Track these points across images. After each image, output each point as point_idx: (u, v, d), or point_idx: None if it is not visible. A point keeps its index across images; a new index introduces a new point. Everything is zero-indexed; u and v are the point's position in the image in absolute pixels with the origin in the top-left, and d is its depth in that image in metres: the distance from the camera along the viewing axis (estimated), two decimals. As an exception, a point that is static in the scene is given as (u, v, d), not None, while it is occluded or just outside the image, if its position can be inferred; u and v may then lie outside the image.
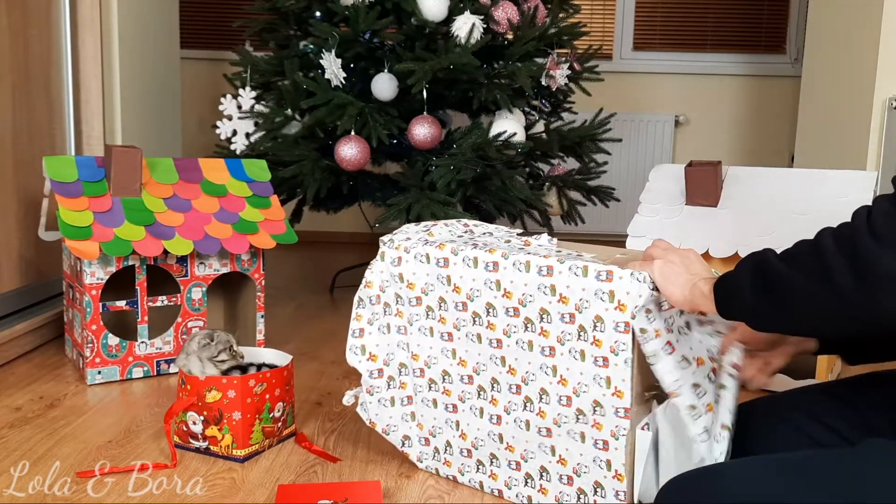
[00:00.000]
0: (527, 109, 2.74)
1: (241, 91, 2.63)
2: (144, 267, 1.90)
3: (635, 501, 1.13)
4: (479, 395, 1.28)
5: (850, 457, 0.91)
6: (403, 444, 1.40)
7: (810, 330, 0.94)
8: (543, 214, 2.80)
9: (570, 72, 2.63)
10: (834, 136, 2.89)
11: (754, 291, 0.92)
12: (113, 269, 1.86)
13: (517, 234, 1.39)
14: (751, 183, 1.97)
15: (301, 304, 2.77)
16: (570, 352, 1.16)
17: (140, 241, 1.84)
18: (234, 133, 2.63)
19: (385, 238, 1.39)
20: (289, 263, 3.59)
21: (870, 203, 0.84)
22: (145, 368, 1.92)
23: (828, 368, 1.88)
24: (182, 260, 1.95)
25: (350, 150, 2.39)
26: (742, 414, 1.23)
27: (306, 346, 2.24)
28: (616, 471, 1.15)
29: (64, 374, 1.92)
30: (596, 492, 1.17)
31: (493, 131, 2.48)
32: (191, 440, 1.48)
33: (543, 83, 2.55)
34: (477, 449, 1.30)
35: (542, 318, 1.18)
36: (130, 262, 1.88)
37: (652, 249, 1.13)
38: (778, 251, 0.93)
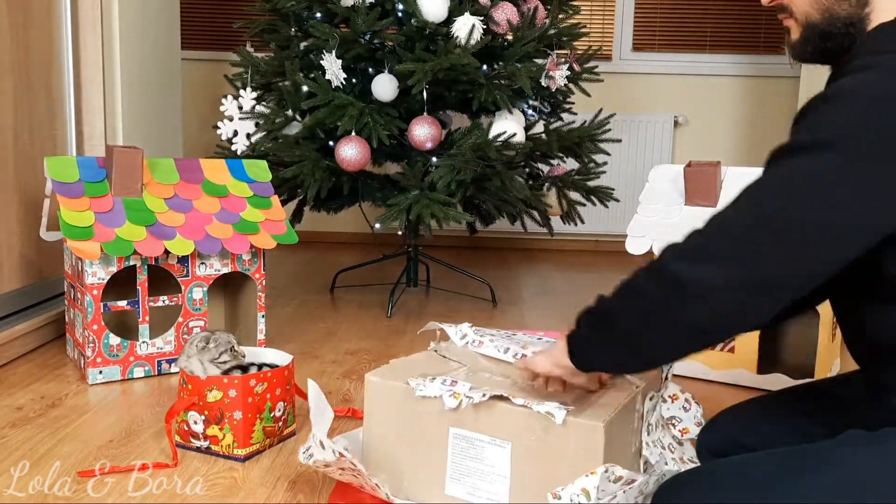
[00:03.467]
0: (526, 110, 2.74)
1: (241, 92, 2.64)
2: (145, 267, 1.91)
3: None
4: None
5: (830, 447, 0.92)
6: None
7: (662, 359, 0.99)
8: (543, 215, 2.81)
9: (569, 72, 2.63)
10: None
11: (600, 335, 0.99)
12: (114, 269, 1.86)
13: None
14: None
15: (301, 304, 2.78)
16: None
17: (141, 241, 1.85)
18: (235, 133, 2.63)
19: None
20: (289, 263, 3.60)
21: None
22: (146, 368, 1.92)
23: (826, 368, 1.89)
24: (183, 260, 1.96)
25: (350, 151, 2.40)
26: (741, 413, 1.24)
27: (307, 346, 2.24)
28: None
29: (65, 374, 1.93)
30: None
31: (493, 132, 2.48)
32: (192, 440, 1.48)
33: (543, 84, 2.55)
34: None
35: None
36: (131, 262, 1.88)
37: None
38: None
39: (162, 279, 2.00)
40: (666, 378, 1.33)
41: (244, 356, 1.57)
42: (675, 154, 4.18)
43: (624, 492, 1.02)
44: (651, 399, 1.24)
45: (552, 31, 2.58)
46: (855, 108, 0.84)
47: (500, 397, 1.13)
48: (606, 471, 1.01)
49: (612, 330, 0.96)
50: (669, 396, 1.35)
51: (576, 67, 2.67)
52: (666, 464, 1.18)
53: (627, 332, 0.94)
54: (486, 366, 1.29)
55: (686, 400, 1.34)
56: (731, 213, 0.89)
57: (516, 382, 1.21)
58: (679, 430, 1.33)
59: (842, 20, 0.96)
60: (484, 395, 1.13)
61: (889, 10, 0.95)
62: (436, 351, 1.37)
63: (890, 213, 0.84)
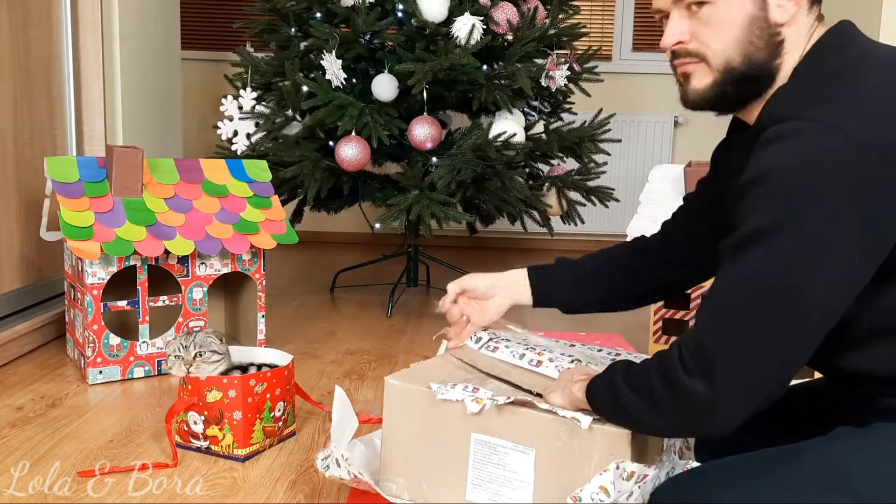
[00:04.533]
0: (526, 110, 2.74)
1: (241, 92, 2.64)
2: (145, 267, 1.91)
3: None
4: None
5: (823, 444, 0.93)
6: None
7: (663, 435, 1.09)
8: (543, 215, 2.81)
9: (569, 72, 2.63)
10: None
11: (612, 413, 1.04)
12: (114, 269, 1.86)
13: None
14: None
15: (301, 304, 2.78)
16: None
17: (141, 241, 1.85)
18: (235, 133, 2.63)
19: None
20: (289, 263, 3.60)
21: None
22: (146, 368, 1.92)
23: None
24: (183, 260, 1.96)
25: (350, 151, 2.40)
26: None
27: (307, 346, 2.24)
28: None
29: (65, 374, 1.93)
30: None
31: (493, 132, 2.48)
32: (192, 440, 1.48)
33: (543, 84, 2.55)
34: None
35: None
36: (132, 262, 1.88)
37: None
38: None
39: (162, 279, 2.00)
40: None
41: (222, 354, 1.56)
42: (675, 154, 4.17)
43: (640, 488, 1.02)
44: None
45: (552, 31, 2.58)
46: (782, 183, 0.86)
47: (524, 402, 1.12)
48: (618, 467, 1.01)
49: (626, 416, 1.02)
50: None
51: (576, 67, 2.67)
52: (674, 468, 1.18)
53: (638, 420, 1.01)
54: (504, 369, 1.28)
55: None
56: (722, 320, 0.91)
57: (533, 387, 1.20)
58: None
59: (759, 66, 0.96)
60: (508, 398, 1.12)
61: (791, 63, 0.97)
62: (453, 356, 1.36)
63: (864, 260, 0.87)
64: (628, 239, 1.83)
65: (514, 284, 1.34)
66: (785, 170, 0.86)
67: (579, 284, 1.32)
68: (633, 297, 1.33)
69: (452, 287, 1.34)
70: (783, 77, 0.97)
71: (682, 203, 1.31)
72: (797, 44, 0.97)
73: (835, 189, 0.85)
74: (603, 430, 1.06)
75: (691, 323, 2.02)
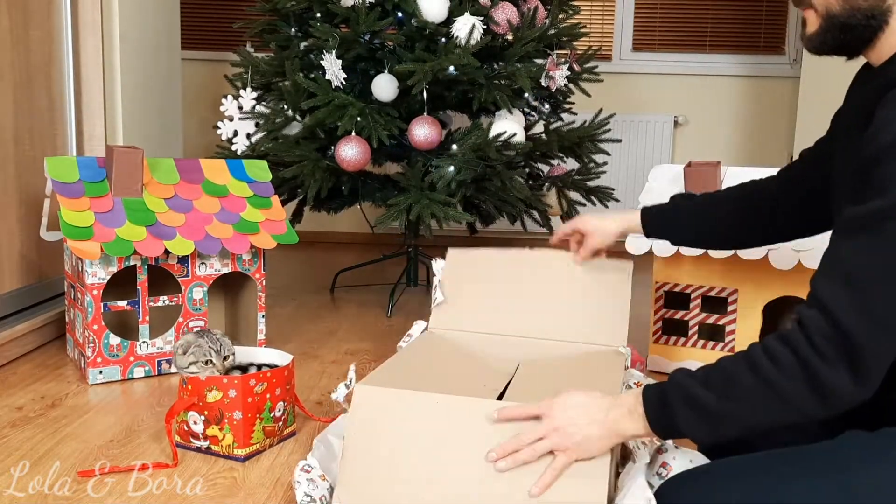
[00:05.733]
0: (526, 110, 2.74)
1: (241, 92, 2.64)
2: (145, 267, 1.91)
3: None
4: None
5: (831, 448, 0.93)
6: None
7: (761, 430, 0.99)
8: (543, 215, 2.81)
9: (569, 72, 2.63)
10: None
11: (697, 430, 0.95)
12: (114, 269, 1.86)
13: None
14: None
15: (301, 304, 2.78)
16: None
17: (141, 241, 1.85)
18: (235, 134, 2.63)
19: None
20: (289, 263, 3.60)
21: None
22: (146, 368, 1.92)
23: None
24: (183, 260, 1.96)
25: (350, 151, 2.40)
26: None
27: (307, 346, 2.24)
28: None
29: (65, 374, 1.93)
30: None
31: (493, 132, 2.48)
32: (192, 440, 1.48)
33: (543, 84, 2.55)
34: None
35: None
36: (132, 262, 1.88)
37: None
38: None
39: (162, 279, 2.00)
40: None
41: (227, 358, 1.54)
42: (675, 154, 4.17)
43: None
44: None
45: (552, 31, 2.58)
46: None
47: None
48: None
49: (716, 414, 0.93)
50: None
51: (576, 67, 2.67)
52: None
53: (750, 424, 0.93)
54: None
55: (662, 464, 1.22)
56: (867, 303, 0.85)
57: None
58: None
59: (862, 12, 0.96)
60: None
61: None
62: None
63: None
64: (628, 238, 1.84)
65: (626, 214, 1.46)
66: None
67: (689, 222, 1.40)
68: (737, 241, 1.41)
69: (565, 227, 1.49)
70: None
71: (798, 157, 1.31)
72: None
73: None
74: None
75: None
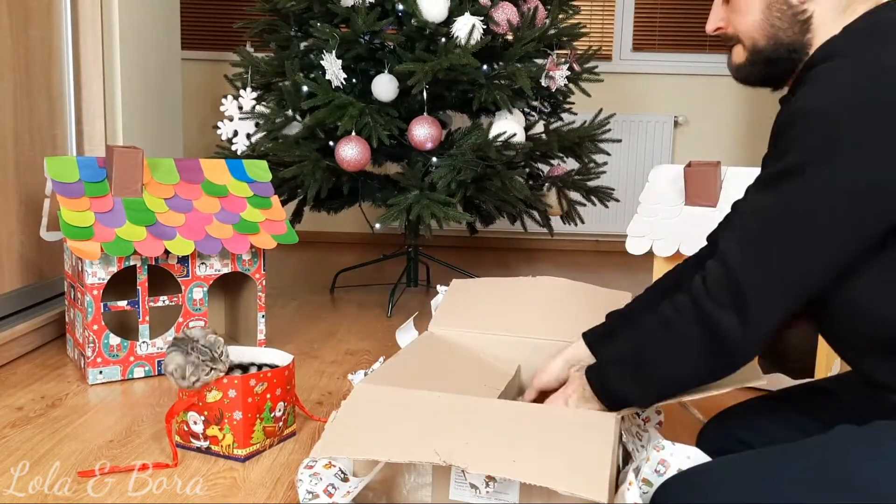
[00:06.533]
0: (526, 110, 2.74)
1: (241, 92, 2.64)
2: (145, 267, 1.91)
3: None
4: None
5: (825, 442, 0.94)
6: None
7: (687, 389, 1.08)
8: (543, 215, 2.81)
9: (569, 72, 2.63)
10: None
11: (630, 388, 1.07)
12: (114, 269, 1.86)
13: None
14: (750, 183, 1.97)
15: (301, 304, 2.78)
16: None
17: (141, 241, 1.85)
18: (235, 134, 2.63)
19: None
20: (289, 263, 3.60)
21: None
22: (146, 368, 1.92)
23: (826, 368, 1.89)
24: (183, 260, 1.96)
25: (350, 151, 2.40)
26: (741, 412, 1.25)
27: (307, 346, 2.24)
28: None
29: (65, 374, 1.93)
30: None
31: (493, 132, 2.48)
32: (192, 440, 1.48)
33: (543, 84, 2.55)
34: None
35: None
36: (132, 263, 1.88)
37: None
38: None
39: (162, 279, 2.00)
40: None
41: (223, 361, 1.47)
42: (675, 154, 4.18)
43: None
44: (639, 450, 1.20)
45: (552, 31, 2.58)
46: (815, 121, 0.90)
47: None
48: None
49: (646, 367, 1.04)
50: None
51: (576, 67, 2.67)
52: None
53: (660, 364, 1.03)
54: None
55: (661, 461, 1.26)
56: (757, 253, 0.95)
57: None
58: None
59: (785, 46, 1.03)
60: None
61: (825, 37, 1.00)
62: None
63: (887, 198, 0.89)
64: (628, 238, 1.83)
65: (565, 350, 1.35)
66: (816, 109, 0.90)
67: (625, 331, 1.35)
68: None
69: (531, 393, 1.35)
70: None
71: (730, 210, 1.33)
72: (830, 18, 1.00)
73: (874, 125, 0.88)
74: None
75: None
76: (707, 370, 1.01)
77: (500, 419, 1.11)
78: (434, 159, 2.53)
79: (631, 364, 1.05)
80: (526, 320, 1.51)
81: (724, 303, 0.94)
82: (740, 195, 1.95)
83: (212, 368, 1.44)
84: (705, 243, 1.32)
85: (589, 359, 1.26)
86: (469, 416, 1.12)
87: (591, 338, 1.29)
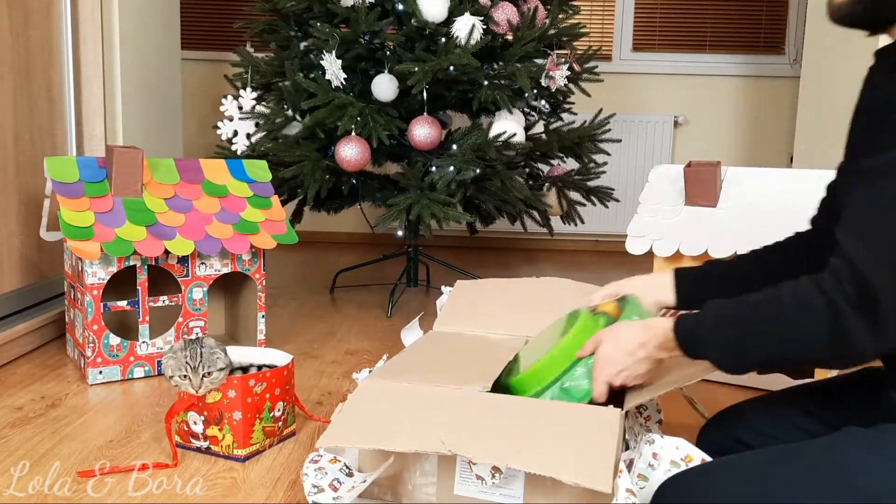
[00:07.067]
0: (526, 110, 2.74)
1: (241, 92, 2.64)
2: (145, 267, 1.91)
3: None
4: None
5: (829, 443, 0.93)
6: None
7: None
8: (543, 215, 2.81)
9: (569, 72, 2.63)
10: (833, 137, 2.90)
11: (723, 350, 1.00)
12: (114, 270, 1.86)
13: None
14: (750, 183, 1.98)
15: (301, 304, 2.78)
16: None
17: (141, 241, 1.85)
18: (235, 134, 2.63)
19: None
20: (289, 263, 3.60)
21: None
22: (146, 368, 1.92)
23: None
24: (183, 260, 1.96)
25: (350, 151, 2.40)
26: (741, 412, 1.25)
27: (307, 346, 2.24)
28: None
29: (65, 374, 1.93)
30: None
31: (493, 132, 2.48)
32: (192, 440, 1.48)
33: (543, 84, 2.55)
34: None
35: None
36: (131, 263, 1.88)
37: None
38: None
39: (162, 279, 2.00)
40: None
41: (209, 374, 1.44)
42: (675, 154, 4.18)
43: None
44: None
45: (552, 31, 2.58)
46: None
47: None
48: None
49: (754, 335, 0.97)
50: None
51: (576, 67, 2.67)
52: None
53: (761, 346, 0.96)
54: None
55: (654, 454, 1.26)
56: (884, 256, 0.87)
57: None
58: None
59: None
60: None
61: None
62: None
63: None
64: (628, 238, 1.83)
65: (658, 286, 1.36)
66: None
67: (723, 289, 1.26)
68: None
69: (609, 288, 1.39)
70: None
71: (824, 191, 1.25)
72: None
73: None
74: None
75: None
76: (823, 362, 0.97)
77: (507, 413, 1.13)
78: (434, 159, 2.53)
79: (740, 329, 0.97)
80: (531, 321, 1.51)
81: (857, 305, 0.87)
82: (740, 195, 1.96)
83: (185, 375, 1.41)
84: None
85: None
86: (475, 409, 1.13)
87: (680, 279, 1.30)
